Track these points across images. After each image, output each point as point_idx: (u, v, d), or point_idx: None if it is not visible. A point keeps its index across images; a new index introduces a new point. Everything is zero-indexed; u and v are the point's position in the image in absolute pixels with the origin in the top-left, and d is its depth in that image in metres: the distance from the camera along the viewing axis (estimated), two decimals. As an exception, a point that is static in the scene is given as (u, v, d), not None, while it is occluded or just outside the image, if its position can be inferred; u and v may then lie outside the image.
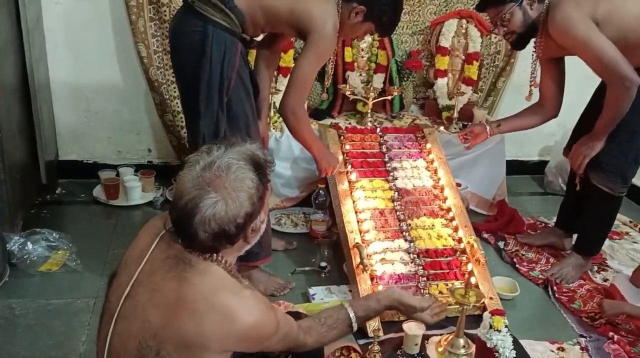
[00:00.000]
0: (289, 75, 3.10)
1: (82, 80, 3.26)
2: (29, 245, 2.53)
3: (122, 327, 1.32)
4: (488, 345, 1.91)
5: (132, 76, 3.29)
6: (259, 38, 2.48)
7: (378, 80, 3.31)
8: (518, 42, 2.52)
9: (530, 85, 2.68)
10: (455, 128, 3.26)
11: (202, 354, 1.27)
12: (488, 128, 2.77)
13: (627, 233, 3.26)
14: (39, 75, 2.98)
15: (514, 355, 1.93)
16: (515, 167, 3.78)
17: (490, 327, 1.93)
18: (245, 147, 1.35)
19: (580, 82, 2.69)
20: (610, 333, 2.35)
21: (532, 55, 2.59)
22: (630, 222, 3.37)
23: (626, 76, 2.29)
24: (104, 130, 3.41)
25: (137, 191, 3.20)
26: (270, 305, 1.39)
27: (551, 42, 2.43)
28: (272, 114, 3.04)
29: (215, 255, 1.32)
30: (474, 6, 3.36)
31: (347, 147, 2.88)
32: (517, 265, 2.85)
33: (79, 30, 3.16)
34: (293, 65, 2.52)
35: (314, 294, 2.49)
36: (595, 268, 2.86)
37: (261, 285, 2.44)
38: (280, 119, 2.84)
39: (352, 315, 1.61)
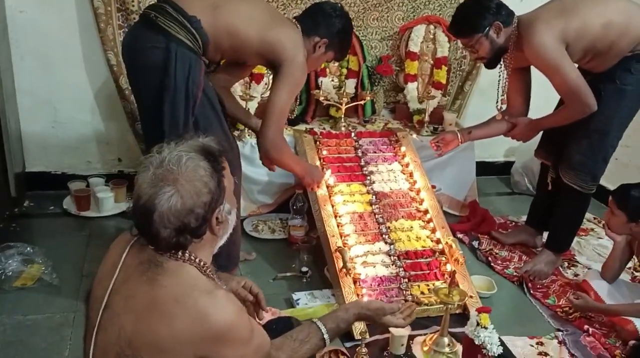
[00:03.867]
0: (262, 83, 3.14)
1: (49, 89, 3.18)
2: (3, 260, 2.46)
3: (102, 339, 1.30)
4: (476, 342, 1.96)
5: (100, 85, 3.23)
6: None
7: (350, 86, 3.34)
8: (489, 64, 2.66)
9: (499, 102, 2.76)
10: (426, 131, 3.33)
11: None
12: (459, 135, 2.84)
13: (592, 229, 3.39)
14: (5, 86, 2.90)
15: (501, 351, 1.98)
16: (482, 168, 3.85)
17: (478, 324, 1.97)
18: (196, 140, 1.34)
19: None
20: (585, 327, 2.44)
21: (499, 72, 2.68)
22: (595, 218, 3.49)
23: (587, 104, 2.48)
24: (72, 140, 3.32)
25: (109, 202, 3.14)
26: (244, 310, 1.36)
27: (521, 54, 2.53)
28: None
29: (186, 253, 1.30)
30: (440, 12, 3.46)
31: (324, 152, 2.91)
32: (492, 264, 2.93)
33: (46, 39, 3.08)
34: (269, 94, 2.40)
35: (297, 299, 2.50)
36: (566, 264, 2.97)
37: None
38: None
39: (321, 326, 1.59)
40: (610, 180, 3.64)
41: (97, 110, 3.30)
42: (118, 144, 3.40)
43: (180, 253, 1.30)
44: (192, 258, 1.31)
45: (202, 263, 1.33)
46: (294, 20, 2.38)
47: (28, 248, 2.55)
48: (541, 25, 2.42)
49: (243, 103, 3.07)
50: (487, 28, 2.49)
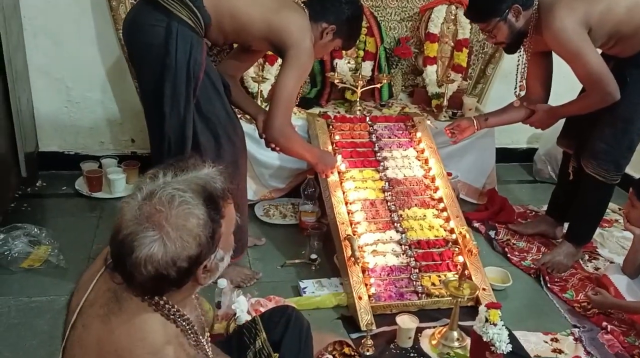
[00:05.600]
0: (276, 64, 3.06)
1: (62, 69, 3.15)
2: (10, 241, 2.45)
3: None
4: (484, 339, 1.88)
5: (114, 64, 3.19)
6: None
7: (367, 68, 3.24)
8: (508, 49, 2.54)
9: (517, 88, 2.64)
10: (444, 116, 3.22)
11: None
12: (475, 122, 2.74)
13: (616, 220, 3.26)
14: (17, 65, 2.87)
15: (510, 348, 1.90)
16: (504, 155, 3.75)
17: (486, 320, 1.89)
18: (198, 175, 1.16)
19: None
20: (604, 323, 2.34)
21: (519, 57, 2.56)
22: (620, 209, 3.35)
23: (609, 93, 2.36)
24: (85, 121, 3.30)
25: (121, 183, 3.12)
26: None
27: (541, 38, 2.41)
28: (258, 102, 2.97)
29: (155, 298, 1.16)
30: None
31: (337, 137, 2.83)
32: (508, 255, 2.83)
33: (58, 17, 3.04)
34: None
35: (304, 287, 2.44)
36: (587, 256, 2.86)
37: (227, 276, 2.32)
38: (266, 106, 2.77)
39: None
40: (638, 169, 3.51)
41: (110, 90, 3.26)
42: (131, 125, 3.37)
43: (147, 296, 1.16)
44: (162, 302, 1.16)
45: (172, 311, 1.18)
46: (302, 5, 2.31)
47: (35, 230, 2.54)
48: (562, 8, 2.29)
49: (255, 85, 3.02)
50: (506, 12, 2.37)
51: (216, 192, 1.15)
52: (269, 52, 2.95)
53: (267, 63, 3.07)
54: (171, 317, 1.17)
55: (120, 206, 1.13)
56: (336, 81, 3.11)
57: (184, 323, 1.20)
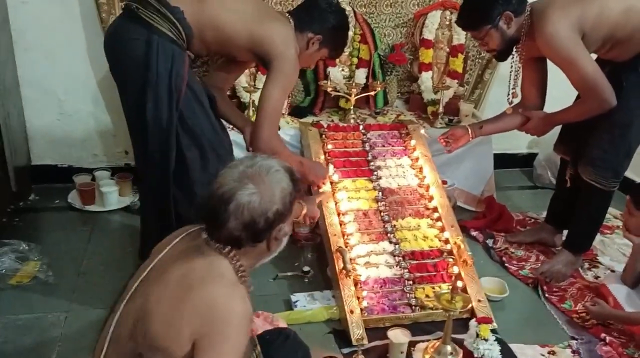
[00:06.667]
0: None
1: (53, 81, 3.13)
2: (-2, 258, 2.43)
3: (129, 306, 1.39)
4: (475, 355, 1.83)
5: (106, 76, 3.15)
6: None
7: (360, 76, 3.19)
8: (499, 57, 2.51)
9: (510, 95, 2.59)
10: (441, 123, 3.17)
11: (171, 345, 1.30)
12: (470, 131, 2.69)
13: (618, 227, 3.18)
14: (6, 78, 2.86)
15: (503, 365, 1.85)
16: (503, 161, 3.70)
17: (477, 335, 1.84)
18: (284, 162, 1.48)
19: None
20: (602, 335, 2.28)
21: (511, 63, 2.51)
22: (621, 214, 3.28)
23: (605, 99, 2.31)
24: (78, 133, 3.28)
25: (114, 196, 3.09)
26: (253, 322, 1.45)
27: (534, 44, 2.37)
28: (250, 112, 2.93)
29: (232, 253, 1.38)
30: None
31: (329, 146, 2.79)
32: (506, 264, 2.77)
33: (49, 30, 3.03)
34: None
35: (296, 301, 2.40)
36: (586, 265, 2.79)
37: None
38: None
39: None
40: (638, 172, 3.43)
41: (102, 102, 3.24)
42: (124, 137, 3.31)
43: (227, 248, 1.38)
44: (235, 259, 1.39)
45: (240, 267, 1.39)
46: (287, 15, 2.29)
47: (23, 246, 2.52)
48: (555, 13, 2.24)
49: (247, 95, 2.98)
50: (497, 19, 2.32)
51: (297, 176, 1.47)
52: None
53: (259, 72, 3.03)
54: (239, 274, 1.39)
55: (222, 172, 1.41)
56: (329, 89, 3.07)
57: (244, 286, 1.40)
